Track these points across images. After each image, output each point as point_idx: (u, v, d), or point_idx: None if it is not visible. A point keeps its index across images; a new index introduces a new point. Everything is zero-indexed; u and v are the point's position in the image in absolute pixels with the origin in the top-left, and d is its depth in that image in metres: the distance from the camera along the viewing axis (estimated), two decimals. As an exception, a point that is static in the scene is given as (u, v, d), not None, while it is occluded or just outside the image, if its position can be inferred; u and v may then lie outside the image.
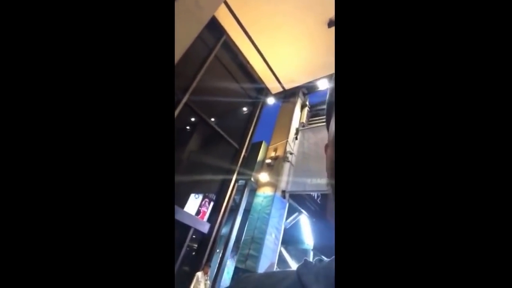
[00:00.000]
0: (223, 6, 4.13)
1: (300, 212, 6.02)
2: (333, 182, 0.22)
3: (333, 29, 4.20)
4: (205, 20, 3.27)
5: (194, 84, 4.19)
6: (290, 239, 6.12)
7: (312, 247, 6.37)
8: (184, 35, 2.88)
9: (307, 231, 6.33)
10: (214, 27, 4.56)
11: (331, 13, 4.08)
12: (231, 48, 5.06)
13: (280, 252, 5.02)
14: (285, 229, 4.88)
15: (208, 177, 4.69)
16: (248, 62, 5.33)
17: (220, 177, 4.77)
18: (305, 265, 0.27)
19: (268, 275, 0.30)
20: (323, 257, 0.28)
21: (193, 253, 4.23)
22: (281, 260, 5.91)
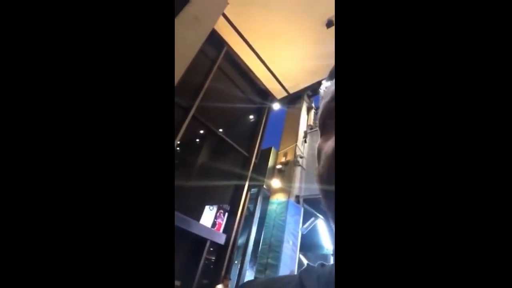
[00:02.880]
0: (221, 18, 4.23)
1: (316, 217, 5.88)
2: (326, 187, 0.22)
3: (331, 29, 4.20)
4: (205, 33, 3.36)
5: (200, 97, 4.26)
6: (308, 245, 5.97)
7: (332, 252, 6.17)
8: (186, 50, 2.96)
9: (325, 236, 6.16)
10: (215, 40, 4.66)
11: (328, 13, 4.09)
12: (233, 58, 5.15)
13: (299, 259, 4.89)
14: (302, 235, 4.77)
15: (221, 188, 4.69)
16: (251, 71, 5.39)
17: (232, 187, 4.76)
18: (307, 270, 0.27)
19: (270, 280, 0.30)
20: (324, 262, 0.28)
21: (211, 266, 4.19)
22: (301, 267, 5.76)
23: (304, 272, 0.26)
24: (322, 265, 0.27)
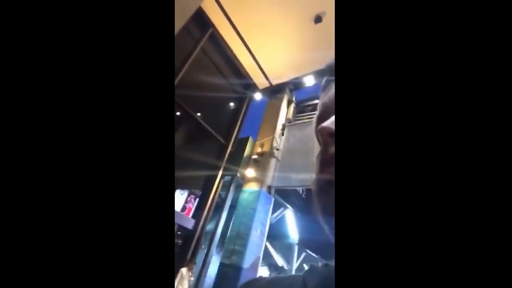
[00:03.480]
0: (210, -3, 4.02)
1: (285, 207, 6.10)
2: (323, 177, 0.22)
3: (319, 25, 4.23)
4: (191, 9, 3.17)
5: (179, 77, 4.08)
6: (275, 234, 6.20)
7: (297, 242, 6.49)
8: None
9: (292, 226, 6.44)
10: (201, 20, 4.44)
11: (317, 9, 4.10)
12: (218, 41, 4.97)
13: (266, 246, 5.07)
14: (270, 224, 4.93)
15: (194, 173, 4.61)
16: (235, 57, 5.26)
17: (206, 172, 4.71)
18: (311, 271, 0.26)
19: (273, 281, 0.30)
20: (310, 252, 0.27)
21: (178, 250, 4.17)
22: (266, 254, 5.99)
23: (308, 273, 0.26)
24: (326, 265, 0.26)
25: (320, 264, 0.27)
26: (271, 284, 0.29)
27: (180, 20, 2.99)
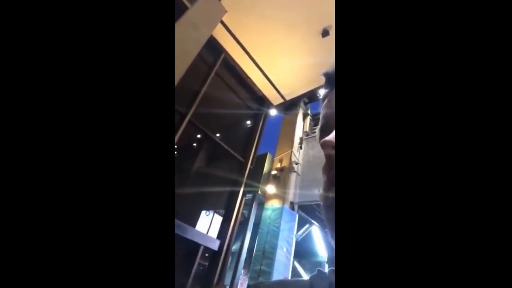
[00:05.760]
0: (220, 26, 4.29)
1: (311, 223, 5.86)
2: (330, 194, 0.22)
3: (327, 38, 4.29)
4: (204, 40, 3.40)
5: (197, 102, 4.28)
6: (303, 252, 5.93)
7: (326, 259, 6.14)
8: (184, 55, 2.99)
9: (320, 243, 6.14)
10: (213, 46, 4.72)
11: (324, 23, 4.19)
12: (230, 65, 5.20)
13: (294, 266, 4.85)
14: (296, 242, 4.75)
15: (216, 193, 4.67)
16: (248, 77, 5.44)
17: (227, 192, 4.74)
18: (318, 276, 0.26)
19: (280, 284, 0.30)
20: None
21: (205, 272, 4.13)
22: (295, 274, 5.71)
23: (316, 278, 0.26)
24: (334, 270, 0.25)
25: (327, 269, 0.26)
26: (279, 286, 0.29)
27: (194, 50, 3.21)
